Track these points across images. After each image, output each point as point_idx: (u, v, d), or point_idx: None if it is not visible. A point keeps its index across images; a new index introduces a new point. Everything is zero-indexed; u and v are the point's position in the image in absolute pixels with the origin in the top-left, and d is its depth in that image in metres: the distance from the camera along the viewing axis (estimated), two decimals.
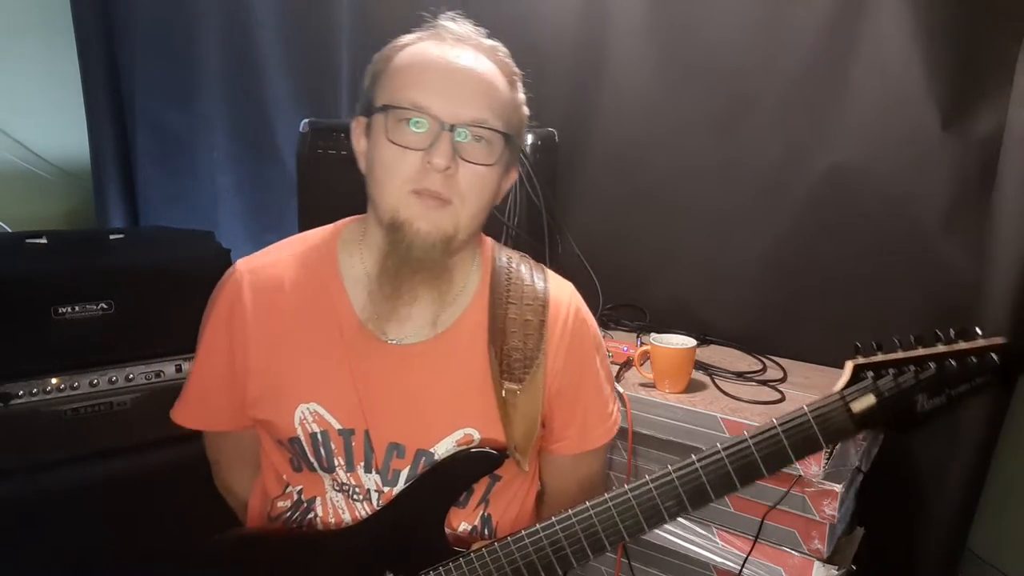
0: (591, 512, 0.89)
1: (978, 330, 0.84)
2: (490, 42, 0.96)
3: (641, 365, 1.53)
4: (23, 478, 1.46)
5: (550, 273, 1.06)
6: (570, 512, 0.90)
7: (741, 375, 1.56)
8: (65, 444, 1.53)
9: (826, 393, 0.85)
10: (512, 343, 0.97)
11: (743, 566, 1.37)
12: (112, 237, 1.72)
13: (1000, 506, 1.55)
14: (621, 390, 1.47)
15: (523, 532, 0.91)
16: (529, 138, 1.74)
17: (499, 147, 0.91)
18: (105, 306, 1.56)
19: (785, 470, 1.28)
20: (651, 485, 0.87)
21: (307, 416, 0.96)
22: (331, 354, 0.97)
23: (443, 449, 0.96)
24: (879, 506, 1.54)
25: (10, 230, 2.43)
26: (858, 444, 1.41)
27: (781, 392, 1.48)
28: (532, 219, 1.75)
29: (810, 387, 1.52)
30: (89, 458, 1.54)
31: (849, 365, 0.85)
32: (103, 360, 1.59)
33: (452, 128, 0.87)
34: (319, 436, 0.96)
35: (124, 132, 2.92)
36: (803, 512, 1.31)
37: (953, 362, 0.82)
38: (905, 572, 1.59)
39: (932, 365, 0.83)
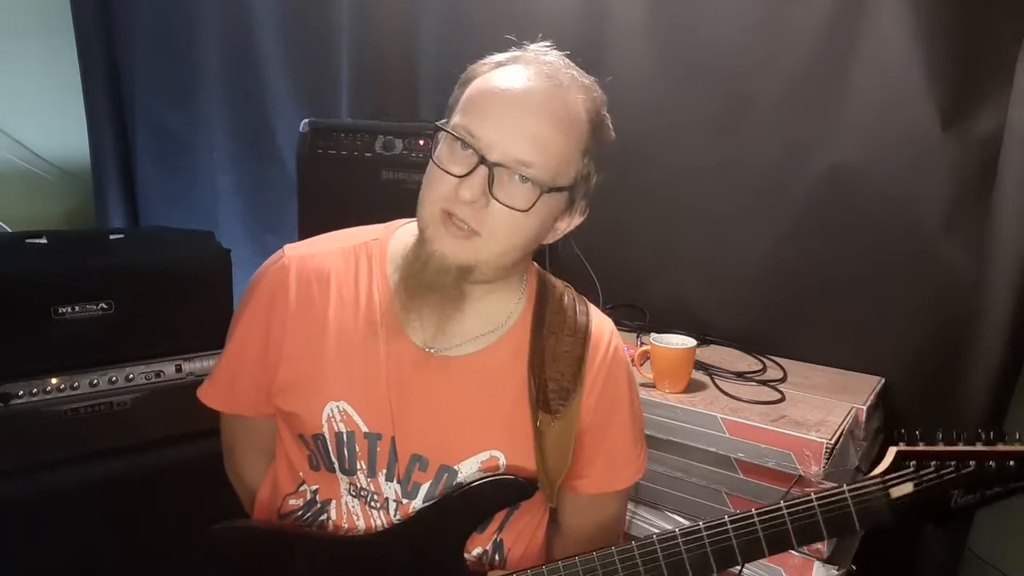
0: (616, 558, 0.88)
1: (1017, 435, 0.86)
2: (584, 80, 0.92)
3: (641, 365, 1.53)
4: (23, 478, 1.46)
5: (592, 307, 1.06)
6: (594, 555, 0.89)
7: (741, 375, 1.56)
8: (65, 444, 1.52)
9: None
10: (550, 373, 0.96)
11: (743, 566, 1.37)
12: (112, 237, 1.72)
13: (1000, 506, 1.55)
14: None
15: (544, 569, 0.91)
16: None
17: (536, 195, 0.87)
18: (105, 306, 1.56)
19: (785, 470, 1.30)
20: (680, 540, 0.87)
21: (335, 414, 0.95)
22: (368, 356, 0.95)
23: (467, 468, 0.95)
24: None
25: (10, 230, 2.43)
26: (858, 444, 1.41)
27: (781, 392, 1.48)
28: None
29: (810, 387, 1.52)
30: (89, 458, 1.54)
31: (892, 451, 0.87)
32: (103, 360, 1.58)
33: (492, 165, 0.85)
34: (345, 436, 0.95)
35: (124, 132, 2.92)
36: None
37: (992, 464, 0.84)
38: (905, 572, 1.59)
39: (972, 463, 0.85)
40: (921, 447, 0.86)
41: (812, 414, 1.37)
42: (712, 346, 1.76)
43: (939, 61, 1.45)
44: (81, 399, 1.55)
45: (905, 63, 1.47)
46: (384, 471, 0.95)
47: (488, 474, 0.94)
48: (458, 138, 0.86)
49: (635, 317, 1.88)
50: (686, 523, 1.43)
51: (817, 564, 1.31)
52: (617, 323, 1.85)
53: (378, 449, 0.95)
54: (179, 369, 1.65)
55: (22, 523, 1.45)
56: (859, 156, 1.57)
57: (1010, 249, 1.36)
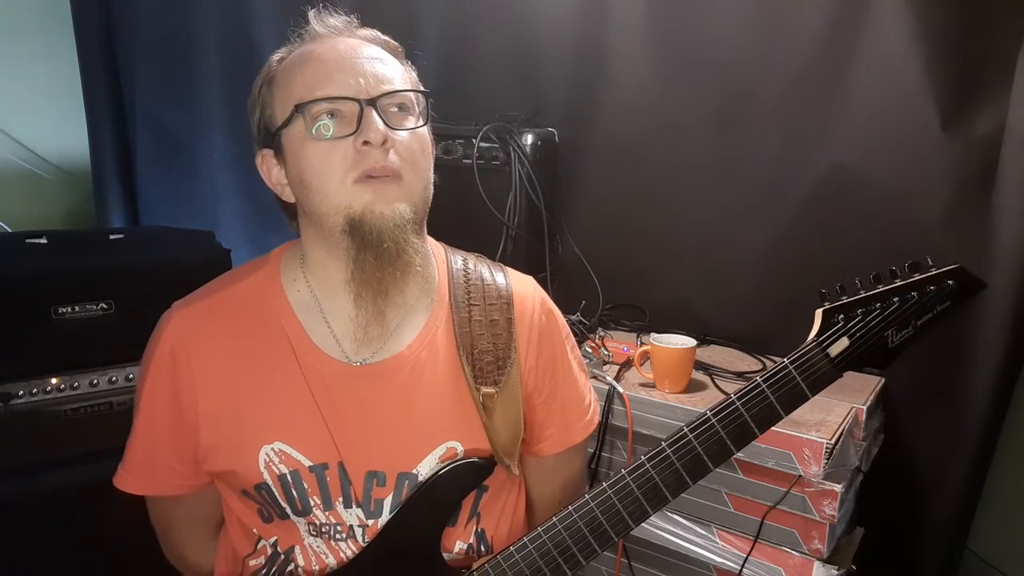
0: (592, 504, 0.87)
1: (930, 260, 0.87)
2: (364, 29, 0.97)
3: (641, 365, 1.53)
4: (23, 478, 1.46)
5: (509, 269, 1.03)
6: (571, 508, 0.88)
7: (741, 375, 1.56)
8: (65, 444, 1.52)
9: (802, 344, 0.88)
10: (482, 346, 0.94)
11: (743, 566, 1.37)
12: (112, 237, 1.72)
13: (1000, 506, 1.55)
14: (621, 390, 1.47)
15: (525, 539, 0.89)
16: (529, 138, 1.74)
17: (420, 104, 0.90)
18: (105, 306, 1.56)
19: (785, 470, 1.30)
20: (648, 465, 0.86)
21: (273, 457, 0.89)
22: (290, 386, 0.90)
23: (426, 468, 0.91)
24: (879, 506, 1.54)
25: (10, 230, 2.43)
26: (858, 444, 1.41)
27: None
28: (532, 219, 1.76)
29: None
30: (89, 458, 1.54)
31: (819, 313, 0.88)
32: (103, 360, 1.58)
33: (373, 102, 0.84)
34: (289, 477, 0.90)
35: (124, 132, 2.92)
36: (803, 512, 1.31)
37: (914, 293, 0.85)
38: (905, 572, 1.59)
39: (896, 300, 0.86)
40: (844, 300, 0.87)
41: (812, 414, 1.37)
42: (712, 346, 1.76)
43: (939, 61, 1.45)
44: (81, 399, 1.55)
45: (905, 63, 1.47)
46: (340, 499, 0.91)
47: (441, 465, 0.91)
48: (323, 104, 0.85)
49: (635, 317, 1.88)
50: (685, 522, 1.44)
51: (817, 564, 1.31)
52: (617, 323, 1.88)
53: (328, 479, 0.90)
54: None
55: (22, 523, 1.45)
56: (859, 156, 1.57)
57: (1010, 249, 1.36)
